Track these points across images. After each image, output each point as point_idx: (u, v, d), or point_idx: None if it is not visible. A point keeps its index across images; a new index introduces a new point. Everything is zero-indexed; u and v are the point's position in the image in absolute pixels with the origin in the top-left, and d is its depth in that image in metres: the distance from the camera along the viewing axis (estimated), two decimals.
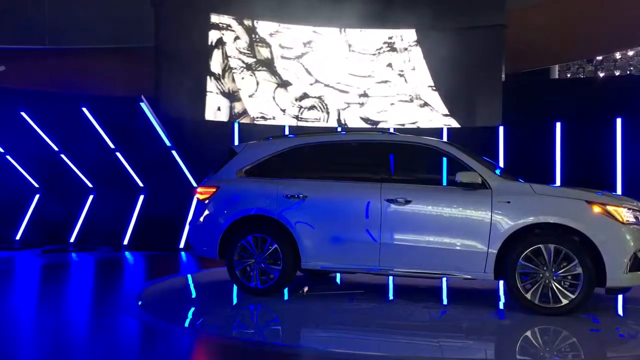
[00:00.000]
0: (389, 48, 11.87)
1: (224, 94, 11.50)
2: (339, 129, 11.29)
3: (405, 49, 11.84)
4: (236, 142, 10.58)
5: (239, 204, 6.44)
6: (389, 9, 11.49)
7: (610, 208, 5.45)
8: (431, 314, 5.81)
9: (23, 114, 10.24)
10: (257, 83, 11.65)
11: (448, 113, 11.61)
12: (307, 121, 11.75)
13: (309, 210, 6.17)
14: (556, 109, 10.59)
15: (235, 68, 11.60)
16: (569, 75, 14.80)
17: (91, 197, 10.80)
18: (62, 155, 10.50)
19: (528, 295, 5.49)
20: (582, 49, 12.49)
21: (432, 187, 6.10)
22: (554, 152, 10.34)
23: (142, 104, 9.93)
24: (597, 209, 5.45)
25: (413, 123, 11.62)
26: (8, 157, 10.58)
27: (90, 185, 10.81)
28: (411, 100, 11.79)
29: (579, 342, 4.83)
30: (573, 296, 5.39)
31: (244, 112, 11.55)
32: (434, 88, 11.66)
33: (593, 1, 11.54)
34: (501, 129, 10.63)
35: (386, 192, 5.96)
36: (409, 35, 11.89)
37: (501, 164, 10.24)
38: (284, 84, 11.75)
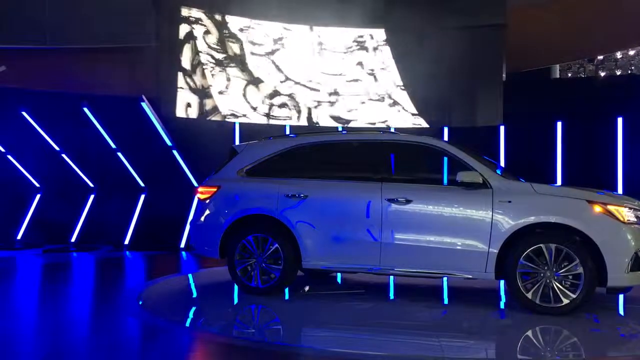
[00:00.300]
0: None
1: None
2: (340, 129, 11.28)
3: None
4: (237, 142, 10.58)
5: (239, 203, 6.44)
6: (387, 8, 11.41)
7: (611, 207, 5.45)
8: (432, 314, 5.81)
9: (24, 113, 10.24)
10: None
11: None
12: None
13: (310, 209, 6.17)
14: (557, 108, 10.60)
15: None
16: (569, 75, 14.79)
17: (92, 196, 10.81)
18: (63, 155, 10.50)
19: (529, 295, 5.49)
20: (583, 48, 12.49)
21: (433, 186, 6.09)
22: (554, 151, 10.34)
23: (143, 104, 9.94)
24: (598, 208, 5.45)
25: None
26: (9, 156, 10.58)
27: (91, 184, 10.81)
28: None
29: (580, 342, 4.84)
30: (574, 296, 5.39)
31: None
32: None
33: (594, 0, 11.53)
34: (502, 128, 10.63)
35: (387, 191, 5.96)
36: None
37: (502, 164, 10.24)
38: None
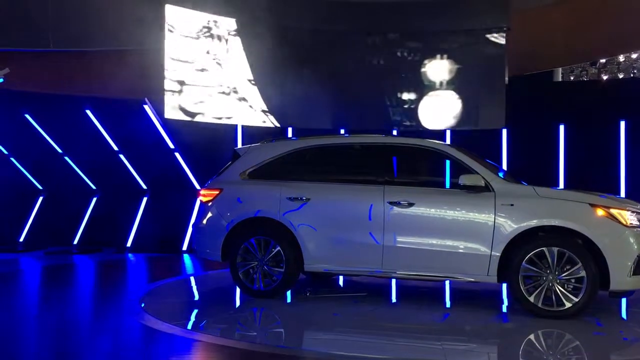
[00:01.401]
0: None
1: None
2: (342, 131, 11.27)
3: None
4: (239, 145, 10.57)
5: (242, 206, 6.45)
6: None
7: (613, 211, 5.45)
8: (434, 317, 5.80)
9: (27, 116, 10.27)
10: None
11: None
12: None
13: (312, 212, 6.17)
14: (559, 111, 10.58)
15: None
16: (572, 78, 14.76)
17: (95, 199, 10.82)
18: (66, 158, 10.52)
19: (531, 298, 5.48)
20: (585, 51, 12.48)
21: (435, 189, 6.11)
22: (557, 154, 10.32)
23: (145, 106, 9.96)
24: (600, 211, 5.45)
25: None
26: (12, 159, 10.60)
27: (93, 187, 10.83)
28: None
29: (582, 346, 4.83)
30: (576, 299, 5.38)
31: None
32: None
33: (597, 3, 11.52)
34: (504, 131, 10.62)
35: (389, 194, 5.95)
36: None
37: (504, 167, 10.23)
38: None
